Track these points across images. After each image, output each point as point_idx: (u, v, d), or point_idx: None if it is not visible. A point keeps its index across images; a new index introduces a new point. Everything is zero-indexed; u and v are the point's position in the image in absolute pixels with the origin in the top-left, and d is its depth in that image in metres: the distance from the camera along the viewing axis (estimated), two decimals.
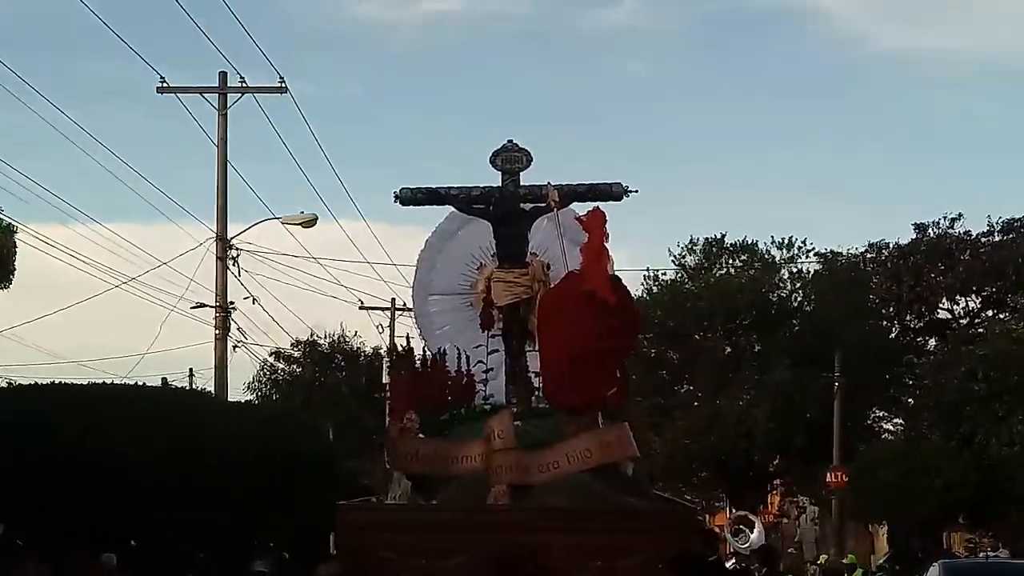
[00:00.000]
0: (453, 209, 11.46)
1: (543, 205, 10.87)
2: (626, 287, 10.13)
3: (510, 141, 11.31)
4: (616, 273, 10.33)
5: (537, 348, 10.49)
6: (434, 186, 11.35)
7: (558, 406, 10.11)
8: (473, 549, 9.46)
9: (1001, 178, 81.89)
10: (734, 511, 45.12)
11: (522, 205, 11.14)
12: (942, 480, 40.34)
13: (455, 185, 11.35)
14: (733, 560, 18.39)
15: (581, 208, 10.61)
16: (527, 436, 10.16)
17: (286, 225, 31.55)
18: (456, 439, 10.22)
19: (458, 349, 10.88)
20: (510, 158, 11.26)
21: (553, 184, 11.00)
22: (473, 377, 10.77)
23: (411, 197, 11.37)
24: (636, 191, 11.22)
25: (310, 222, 31.07)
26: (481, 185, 11.29)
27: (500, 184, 11.23)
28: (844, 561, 30.12)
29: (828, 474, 43.04)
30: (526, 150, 11.26)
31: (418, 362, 11.28)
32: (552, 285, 10.58)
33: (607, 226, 9.96)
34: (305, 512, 20.69)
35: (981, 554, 30.28)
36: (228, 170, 30.36)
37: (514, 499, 9.69)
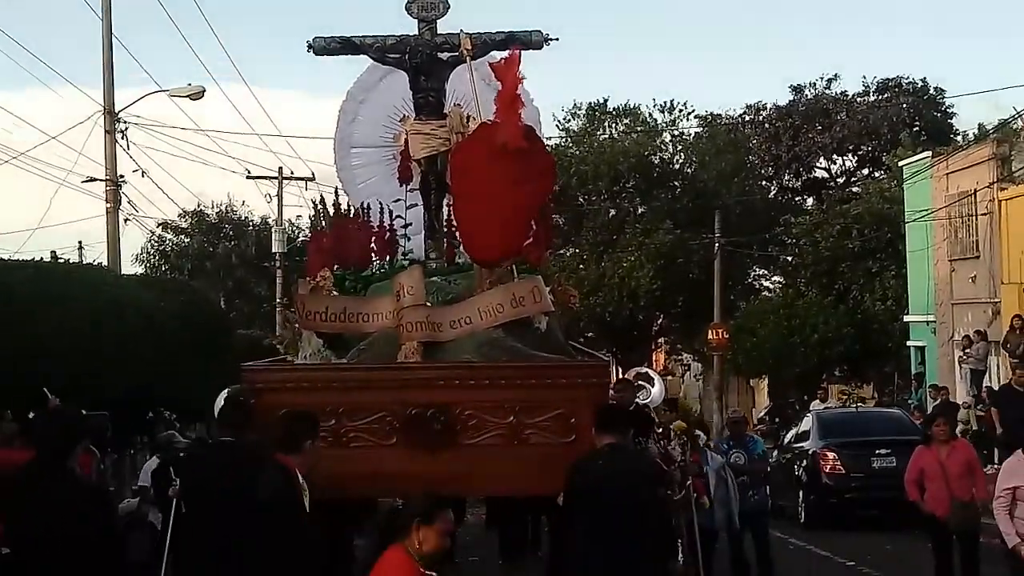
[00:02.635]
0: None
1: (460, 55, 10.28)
2: (539, 136, 9.60)
3: None
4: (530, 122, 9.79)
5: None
6: (348, 35, 10.67)
7: (473, 259, 9.62)
8: (382, 407, 9.03)
9: (876, 37, 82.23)
10: (623, 369, 45.38)
11: (439, 55, 10.53)
12: (818, 335, 40.95)
13: (370, 34, 10.67)
14: None
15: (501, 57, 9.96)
16: (445, 291, 9.71)
17: (173, 98, 30.73)
18: (368, 297, 9.71)
19: (380, 203, 10.33)
20: (426, 5, 10.59)
21: (470, 33, 10.39)
22: (395, 232, 10.24)
23: (324, 47, 10.66)
24: (556, 39, 10.64)
25: (197, 94, 30.19)
26: (397, 34, 10.62)
27: (416, 33, 10.59)
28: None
29: (709, 332, 43.33)
30: None
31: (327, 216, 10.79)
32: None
33: (522, 72, 9.37)
34: (200, 380, 20.26)
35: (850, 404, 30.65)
36: (113, 43, 29.39)
37: (425, 356, 9.23)
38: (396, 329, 9.27)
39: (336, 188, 11.19)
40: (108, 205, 29.69)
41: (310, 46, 10.60)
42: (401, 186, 10.32)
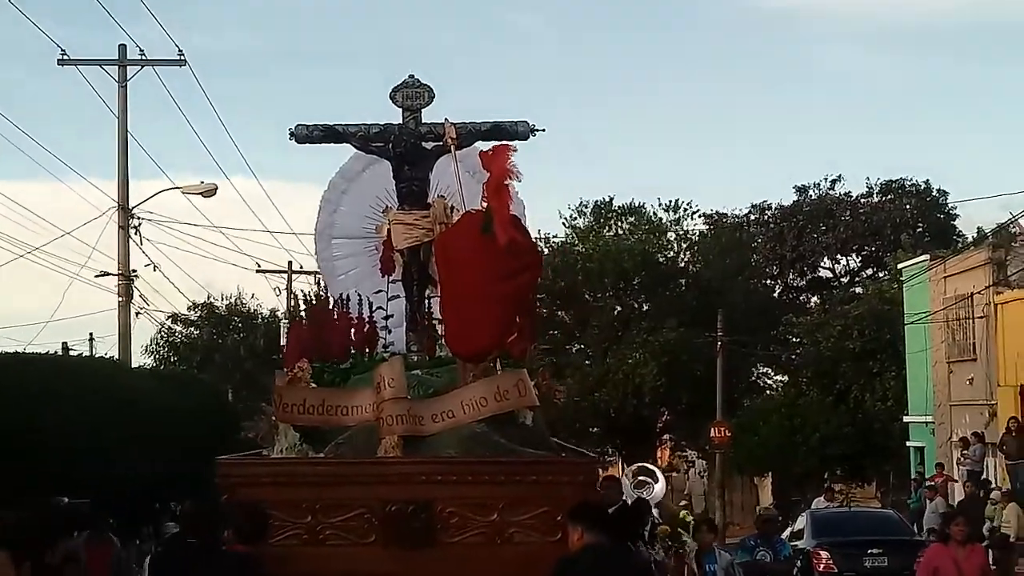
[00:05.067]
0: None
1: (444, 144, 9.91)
2: (526, 227, 9.21)
3: (411, 76, 10.26)
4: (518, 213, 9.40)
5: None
6: (331, 123, 10.32)
7: (455, 353, 9.17)
8: (360, 503, 8.57)
9: (879, 139, 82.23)
10: (626, 465, 44.68)
11: (423, 144, 10.16)
12: (819, 434, 40.45)
13: (354, 122, 10.32)
14: None
15: (488, 147, 9.54)
16: (427, 384, 9.27)
17: (186, 195, 30.75)
18: (347, 388, 9.27)
19: (360, 295, 9.90)
20: (411, 94, 10.24)
21: (454, 122, 10.03)
22: (375, 324, 9.80)
23: (307, 135, 10.30)
24: (543, 130, 10.28)
25: (210, 192, 30.31)
26: (381, 123, 10.26)
27: (400, 121, 10.24)
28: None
29: (711, 429, 42.82)
30: (428, 86, 10.23)
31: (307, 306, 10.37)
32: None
33: (513, 163, 8.97)
34: (208, 472, 19.89)
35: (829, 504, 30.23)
36: (128, 140, 29.51)
37: (406, 451, 8.77)
38: (376, 422, 8.83)
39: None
40: (120, 299, 29.55)
41: (292, 134, 10.25)
42: (383, 277, 9.90)
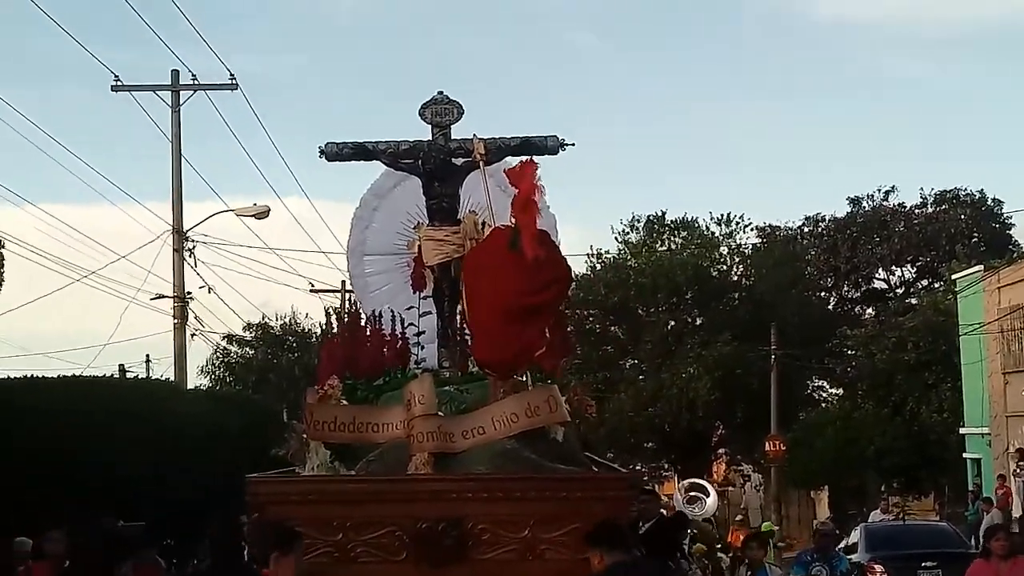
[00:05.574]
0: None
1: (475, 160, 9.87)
2: (554, 242, 9.15)
3: (440, 92, 10.22)
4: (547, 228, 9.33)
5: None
6: (361, 140, 10.30)
7: (484, 368, 9.12)
8: (391, 521, 8.51)
9: (933, 149, 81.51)
10: (681, 481, 44.46)
11: (453, 160, 10.13)
12: (875, 447, 40.09)
13: (384, 139, 10.30)
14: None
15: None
16: (458, 401, 9.21)
17: (240, 217, 30.99)
18: (378, 406, 9.22)
19: (392, 311, 9.86)
20: (440, 111, 10.18)
21: (484, 138, 9.99)
22: (407, 340, 9.76)
23: (337, 152, 10.28)
24: (572, 144, 10.18)
25: (263, 214, 30.54)
26: (411, 139, 10.23)
27: (430, 138, 10.21)
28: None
29: (766, 443, 42.54)
30: (457, 102, 10.17)
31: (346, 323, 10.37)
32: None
33: (540, 179, 8.91)
34: None
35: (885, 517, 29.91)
36: (182, 163, 29.87)
37: (436, 467, 8.72)
38: (407, 439, 8.78)
39: (344, 295, 10.81)
40: (176, 321, 29.80)
41: (322, 151, 10.24)
42: (414, 293, 9.87)
